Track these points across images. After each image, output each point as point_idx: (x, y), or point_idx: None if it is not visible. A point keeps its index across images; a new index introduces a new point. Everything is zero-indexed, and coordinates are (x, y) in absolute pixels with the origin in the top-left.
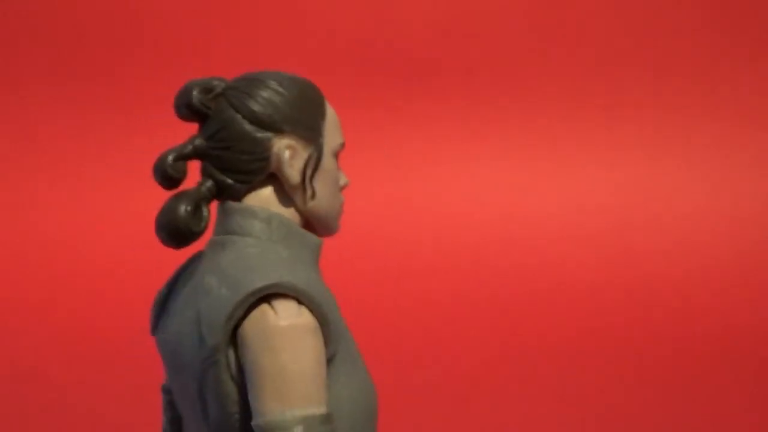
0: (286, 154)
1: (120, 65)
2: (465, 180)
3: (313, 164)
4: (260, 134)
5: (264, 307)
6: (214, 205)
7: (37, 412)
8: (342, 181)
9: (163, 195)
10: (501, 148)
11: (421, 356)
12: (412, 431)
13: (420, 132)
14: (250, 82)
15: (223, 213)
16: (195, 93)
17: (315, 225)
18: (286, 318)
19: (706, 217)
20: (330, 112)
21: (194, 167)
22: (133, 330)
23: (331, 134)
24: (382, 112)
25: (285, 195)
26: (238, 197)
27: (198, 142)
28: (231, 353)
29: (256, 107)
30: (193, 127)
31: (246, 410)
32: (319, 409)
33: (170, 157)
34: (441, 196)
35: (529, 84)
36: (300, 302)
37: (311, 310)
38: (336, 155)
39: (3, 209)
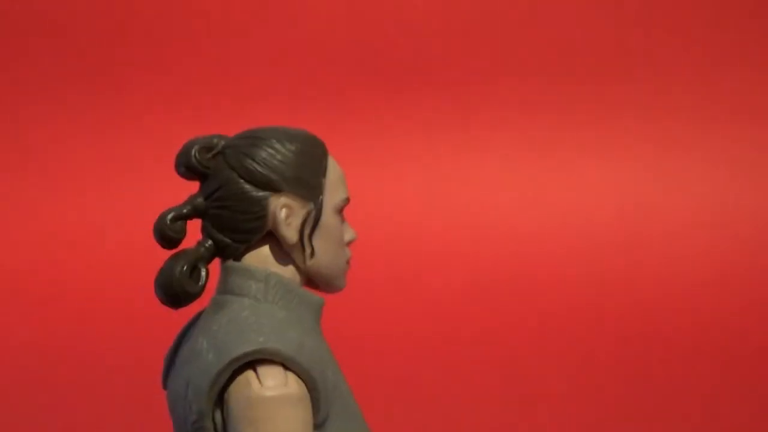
0: (282, 213)
1: (120, 66)
2: (466, 180)
3: (312, 222)
4: (257, 193)
5: (248, 374)
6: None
7: (38, 414)
8: (348, 236)
9: (166, 202)
10: (501, 148)
11: (422, 356)
12: (415, 429)
13: (420, 133)
14: (250, 141)
15: (224, 272)
16: (194, 152)
17: (317, 283)
18: (270, 388)
19: (706, 217)
20: (333, 167)
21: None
22: (133, 330)
23: (334, 190)
24: (381, 113)
25: (284, 254)
26: (238, 256)
27: (197, 201)
28: (218, 417)
29: (252, 167)
30: (192, 121)
31: None
32: None
33: (168, 217)
34: (442, 196)
35: (530, 84)
36: (287, 368)
37: (298, 376)
38: (340, 211)
39: (4, 210)
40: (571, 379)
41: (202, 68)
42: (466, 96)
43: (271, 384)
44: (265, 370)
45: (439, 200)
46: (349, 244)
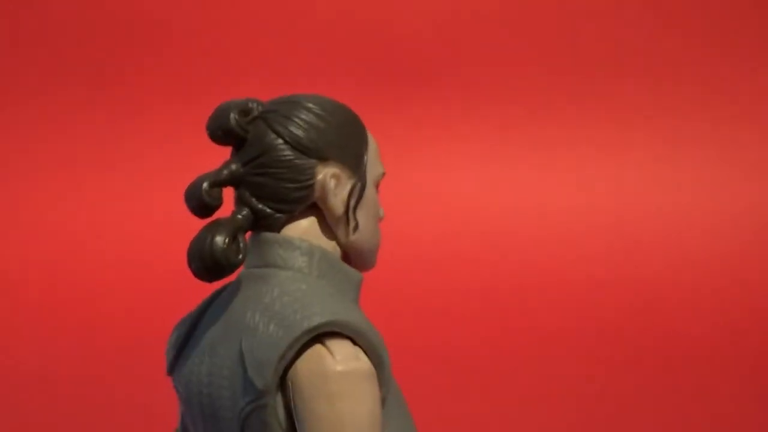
0: (332, 182)
1: (120, 68)
2: (467, 180)
3: (357, 194)
4: (304, 161)
5: (319, 348)
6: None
7: (38, 413)
8: (380, 214)
9: (168, 197)
10: (501, 148)
11: (424, 355)
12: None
13: (420, 134)
14: (291, 105)
15: (261, 244)
16: (233, 116)
17: (353, 259)
18: (343, 361)
19: (706, 216)
20: (371, 140)
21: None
22: (135, 330)
23: (373, 163)
24: (382, 113)
25: (326, 227)
26: (277, 228)
27: (234, 167)
28: (278, 397)
29: (299, 132)
30: (189, 132)
31: None
32: None
33: (206, 184)
34: (443, 195)
35: (532, 85)
36: (354, 343)
37: (366, 352)
38: (376, 186)
39: (7, 210)
40: (570, 377)
41: (203, 69)
42: (467, 97)
43: (344, 358)
44: (335, 344)
45: (438, 200)
46: (379, 222)
